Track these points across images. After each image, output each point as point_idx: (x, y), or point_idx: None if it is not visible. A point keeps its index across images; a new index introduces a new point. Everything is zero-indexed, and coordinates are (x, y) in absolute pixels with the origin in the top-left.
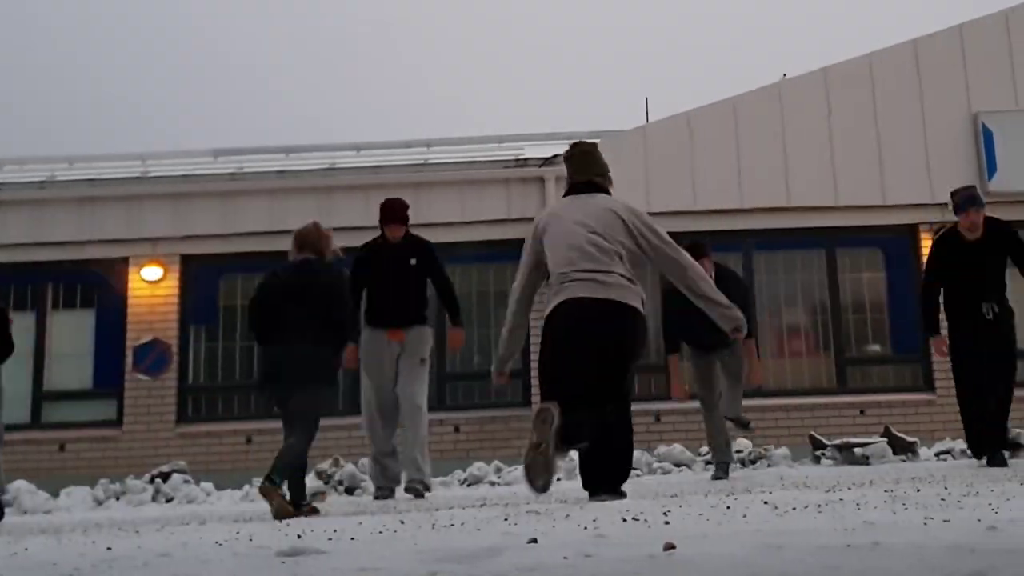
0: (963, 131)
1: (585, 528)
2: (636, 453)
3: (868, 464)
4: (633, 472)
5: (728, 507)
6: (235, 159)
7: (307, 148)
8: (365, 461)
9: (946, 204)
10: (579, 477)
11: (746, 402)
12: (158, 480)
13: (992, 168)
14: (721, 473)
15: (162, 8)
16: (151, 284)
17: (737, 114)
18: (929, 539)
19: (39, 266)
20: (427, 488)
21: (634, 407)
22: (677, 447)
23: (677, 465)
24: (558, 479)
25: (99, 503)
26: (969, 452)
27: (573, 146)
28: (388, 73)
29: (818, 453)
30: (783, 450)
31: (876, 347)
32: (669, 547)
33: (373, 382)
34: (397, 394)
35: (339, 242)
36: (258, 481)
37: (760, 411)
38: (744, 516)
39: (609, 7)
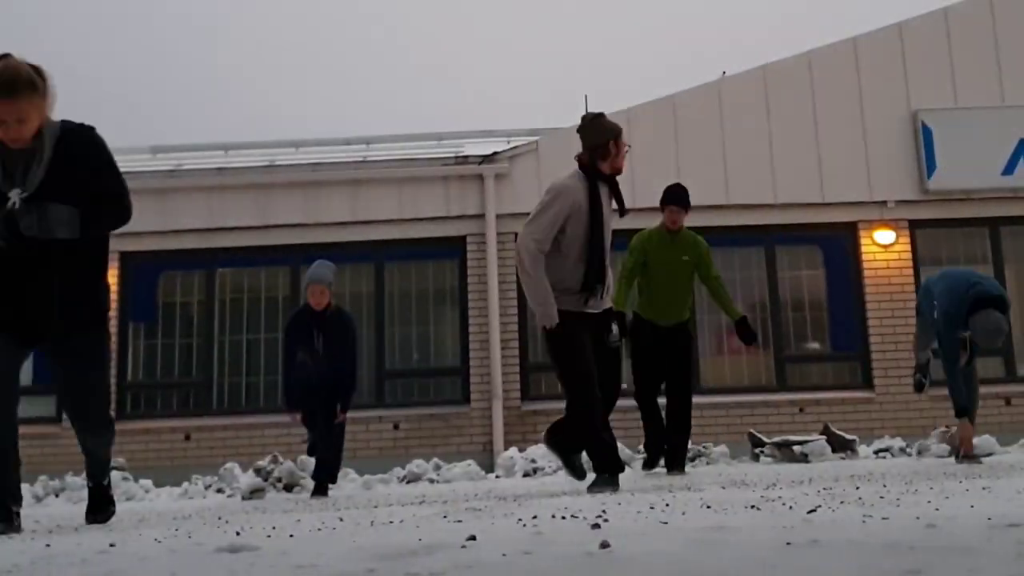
0: (902, 129)
1: (524, 526)
2: None
3: (807, 462)
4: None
5: (667, 505)
6: (173, 156)
7: (246, 145)
8: (303, 458)
9: (885, 202)
10: (520, 475)
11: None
12: None
13: (931, 166)
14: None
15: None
16: None
17: (676, 112)
18: (868, 537)
19: None
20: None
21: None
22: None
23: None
24: (497, 476)
25: (38, 500)
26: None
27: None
28: (328, 69)
29: (757, 451)
30: (722, 448)
31: (815, 345)
32: (605, 545)
33: None
34: None
35: (279, 239)
36: (196, 478)
37: (699, 408)
38: (683, 514)
39: (550, 4)
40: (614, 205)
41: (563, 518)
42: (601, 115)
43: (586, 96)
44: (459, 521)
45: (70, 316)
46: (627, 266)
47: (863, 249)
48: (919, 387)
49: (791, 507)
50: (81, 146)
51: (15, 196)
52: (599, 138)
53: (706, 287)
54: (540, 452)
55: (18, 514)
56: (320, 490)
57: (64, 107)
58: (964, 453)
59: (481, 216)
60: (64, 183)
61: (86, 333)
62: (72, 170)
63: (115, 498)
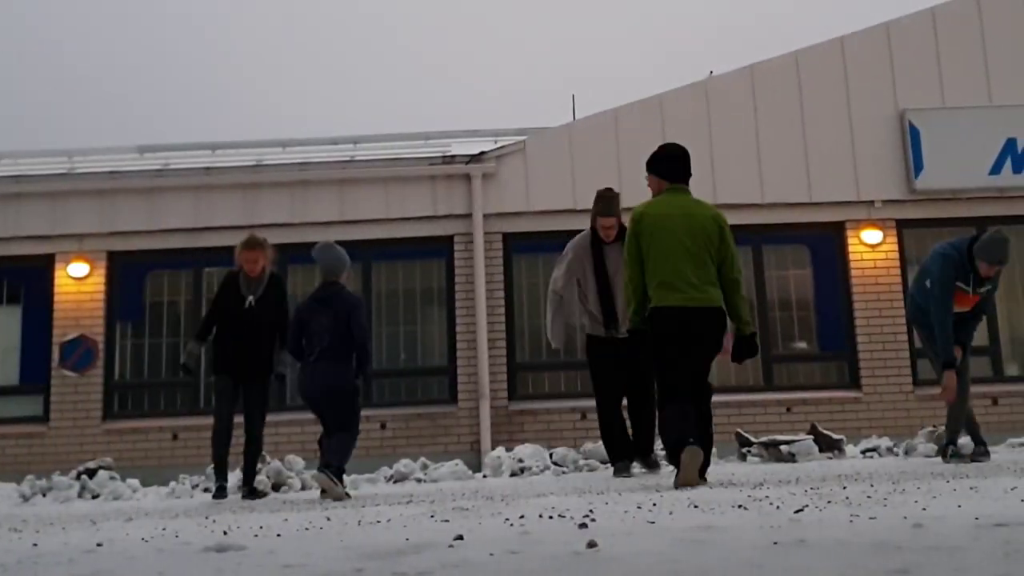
0: (890, 129)
1: (511, 525)
2: (562, 450)
3: (794, 462)
4: (559, 469)
5: (654, 504)
6: (161, 155)
7: (233, 145)
8: (291, 458)
9: (872, 202)
10: (508, 474)
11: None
12: (84, 476)
13: (919, 166)
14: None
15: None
16: (77, 281)
17: (664, 111)
18: (855, 537)
19: None
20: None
21: (560, 404)
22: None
23: (603, 462)
24: (484, 476)
25: (25, 499)
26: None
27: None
28: (316, 69)
29: (744, 451)
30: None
31: (803, 344)
32: (592, 545)
33: None
34: None
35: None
36: (184, 477)
37: None
38: (670, 514)
39: (538, 4)
40: None
41: (550, 518)
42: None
43: (573, 96)
44: (446, 521)
45: (261, 364)
46: None
47: (850, 249)
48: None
49: (778, 507)
50: (274, 283)
51: (251, 298)
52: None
53: None
54: (527, 452)
55: (226, 488)
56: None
57: (56, 105)
58: (947, 402)
59: (468, 216)
60: (268, 297)
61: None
62: (271, 292)
63: (102, 497)
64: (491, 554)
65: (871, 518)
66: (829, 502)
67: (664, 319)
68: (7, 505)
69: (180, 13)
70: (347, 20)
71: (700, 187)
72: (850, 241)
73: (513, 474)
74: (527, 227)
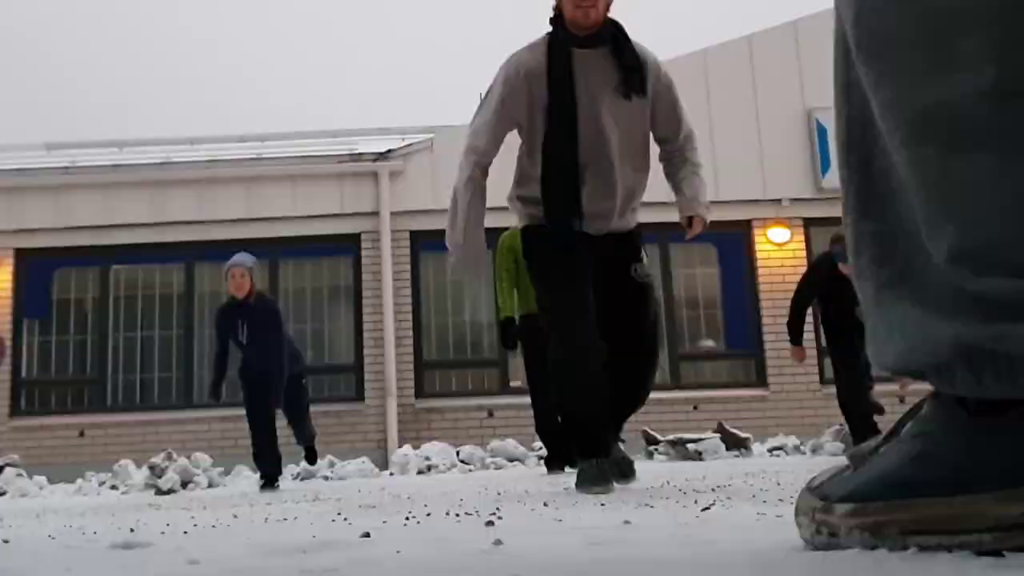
0: (797, 127)
1: (418, 523)
2: (469, 448)
3: (701, 460)
4: (466, 467)
5: (561, 502)
6: (68, 152)
7: (141, 142)
8: (198, 455)
9: (780, 200)
10: (415, 472)
11: None
12: None
13: (826, 165)
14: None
15: None
16: None
17: None
18: (764, 534)
19: None
20: None
21: (466, 402)
22: (510, 442)
23: (510, 460)
24: (391, 474)
25: None
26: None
27: None
28: (222, 67)
29: (651, 449)
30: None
31: (710, 343)
32: (498, 543)
33: None
34: None
35: (174, 236)
36: (90, 475)
37: None
38: (577, 511)
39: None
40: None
41: (457, 516)
42: None
43: (480, 94)
44: (353, 519)
45: None
46: None
47: (757, 247)
48: None
49: (685, 505)
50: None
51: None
52: None
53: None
54: (434, 449)
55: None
56: (269, 483)
57: None
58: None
59: (376, 214)
60: None
61: None
62: None
63: (9, 494)
64: (398, 551)
65: (778, 516)
66: (736, 500)
67: None
68: None
69: (92, 8)
70: (251, 15)
71: None
72: (757, 239)
73: (420, 472)
74: (434, 225)
